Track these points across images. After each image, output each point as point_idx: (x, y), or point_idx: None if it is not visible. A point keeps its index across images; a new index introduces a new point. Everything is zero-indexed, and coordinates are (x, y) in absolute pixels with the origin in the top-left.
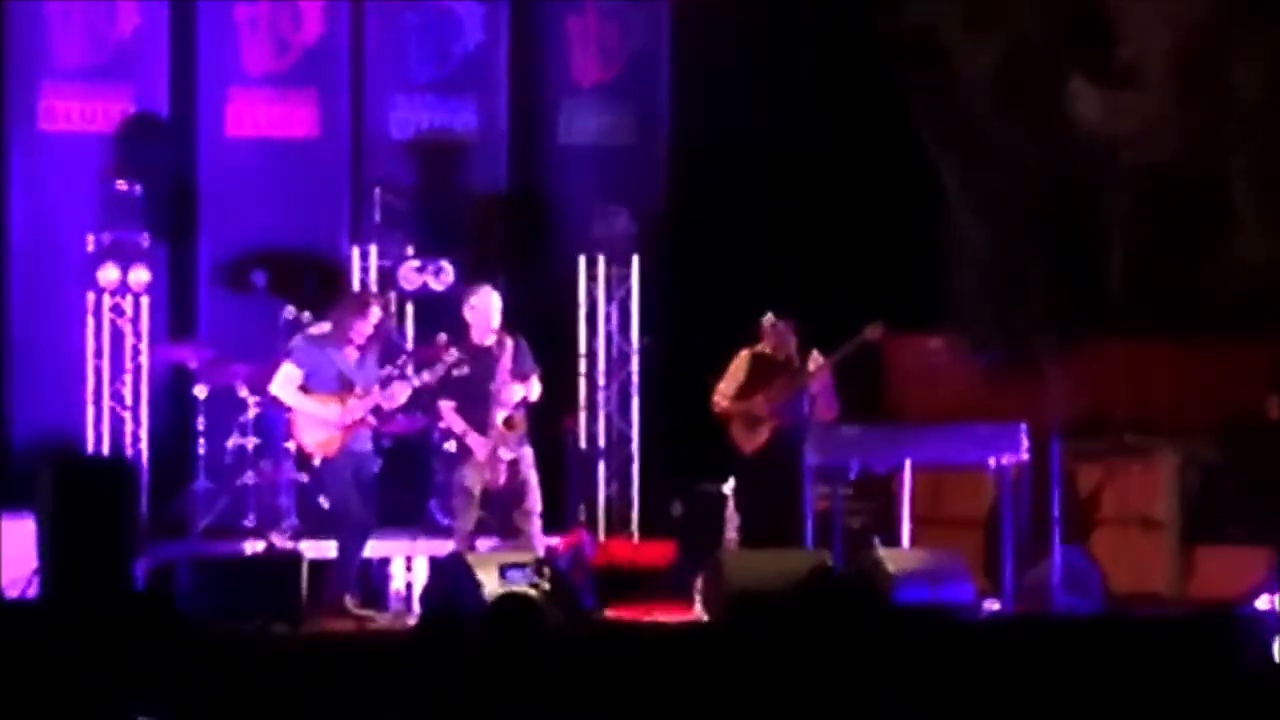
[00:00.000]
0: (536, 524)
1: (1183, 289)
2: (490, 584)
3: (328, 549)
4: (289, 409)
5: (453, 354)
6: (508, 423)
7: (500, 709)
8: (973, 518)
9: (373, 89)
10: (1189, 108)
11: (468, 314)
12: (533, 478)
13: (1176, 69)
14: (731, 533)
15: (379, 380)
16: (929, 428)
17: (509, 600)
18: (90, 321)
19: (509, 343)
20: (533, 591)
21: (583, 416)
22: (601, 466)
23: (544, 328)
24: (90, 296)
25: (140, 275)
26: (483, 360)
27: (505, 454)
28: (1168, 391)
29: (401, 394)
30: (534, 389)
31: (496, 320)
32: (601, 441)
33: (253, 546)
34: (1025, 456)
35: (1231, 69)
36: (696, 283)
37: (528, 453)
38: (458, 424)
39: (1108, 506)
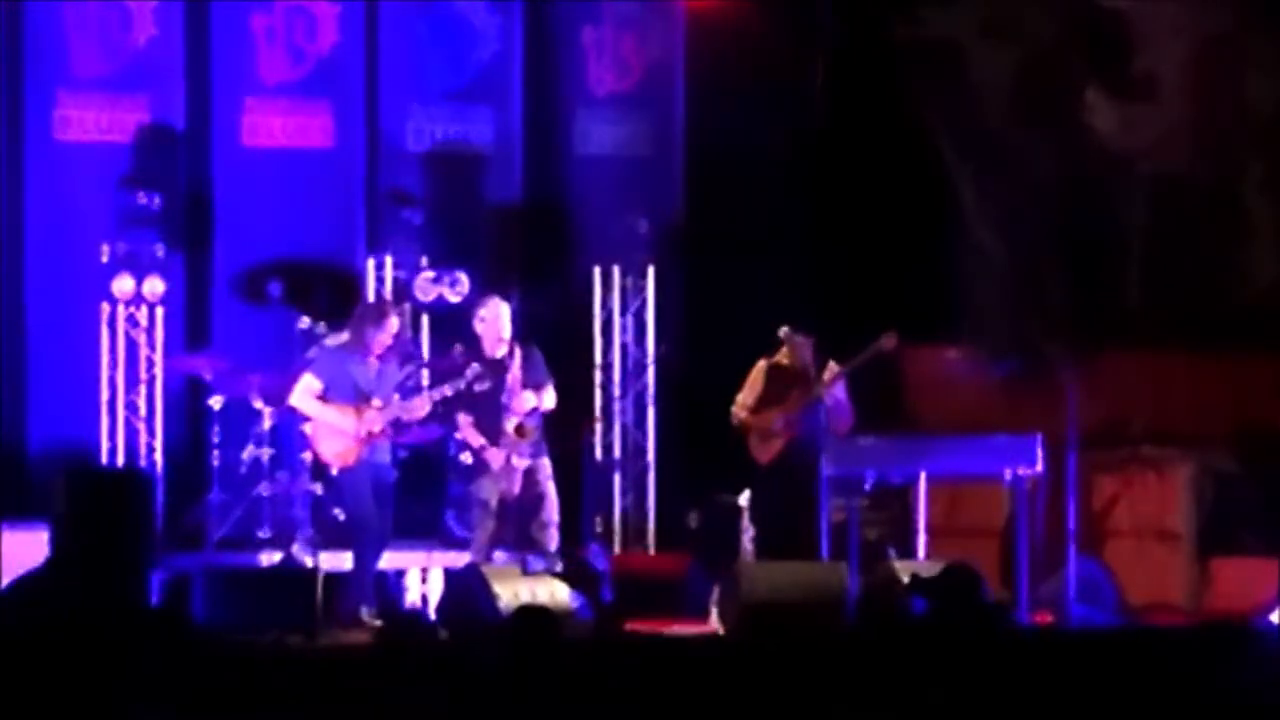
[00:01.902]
0: (553, 536)
1: (1199, 299)
2: (506, 596)
3: (344, 560)
4: (306, 420)
5: (475, 368)
6: (518, 430)
7: None
8: (988, 528)
9: (388, 99)
10: (1204, 118)
11: (478, 326)
12: (550, 489)
13: (1192, 80)
14: (747, 544)
15: (398, 392)
16: (945, 439)
17: (528, 612)
18: (105, 332)
19: (519, 351)
20: (553, 579)
21: (599, 428)
22: (617, 478)
23: (560, 339)
24: (105, 307)
25: (155, 285)
26: (495, 372)
27: (518, 462)
28: (1184, 402)
29: (421, 407)
30: (548, 398)
31: (507, 331)
32: (617, 453)
33: (268, 558)
34: (1041, 468)
35: (1247, 80)
36: (712, 293)
37: (545, 464)
38: (475, 438)
39: (1123, 518)
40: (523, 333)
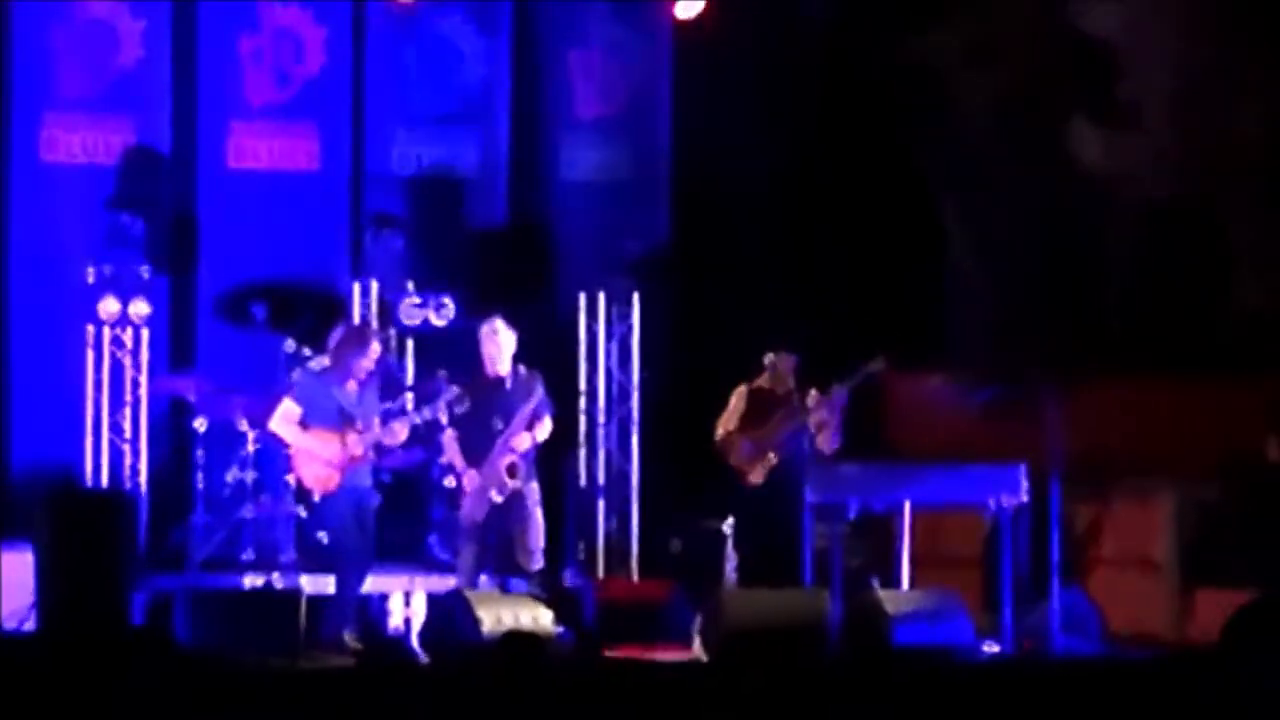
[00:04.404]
0: (538, 560)
1: (1182, 328)
2: (490, 620)
3: (326, 584)
4: (289, 444)
5: (452, 391)
6: (511, 469)
7: None
8: (971, 558)
9: (374, 123)
10: (1189, 146)
11: (482, 346)
12: (537, 514)
13: (1177, 108)
14: (731, 570)
15: (380, 416)
16: (929, 467)
17: (514, 638)
18: (90, 353)
19: (539, 390)
20: (535, 603)
21: (582, 453)
22: (601, 504)
23: (544, 363)
24: (90, 328)
25: (140, 307)
26: (492, 393)
27: (495, 496)
28: (1167, 431)
29: (402, 432)
30: (542, 431)
31: (507, 352)
32: (601, 478)
33: (251, 580)
34: (1025, 497)
35: (1232, 107)
36: (697, 319)
37: (534, 489)
38: (456, 457)
39: (1106, 547)
40: (525, 361)
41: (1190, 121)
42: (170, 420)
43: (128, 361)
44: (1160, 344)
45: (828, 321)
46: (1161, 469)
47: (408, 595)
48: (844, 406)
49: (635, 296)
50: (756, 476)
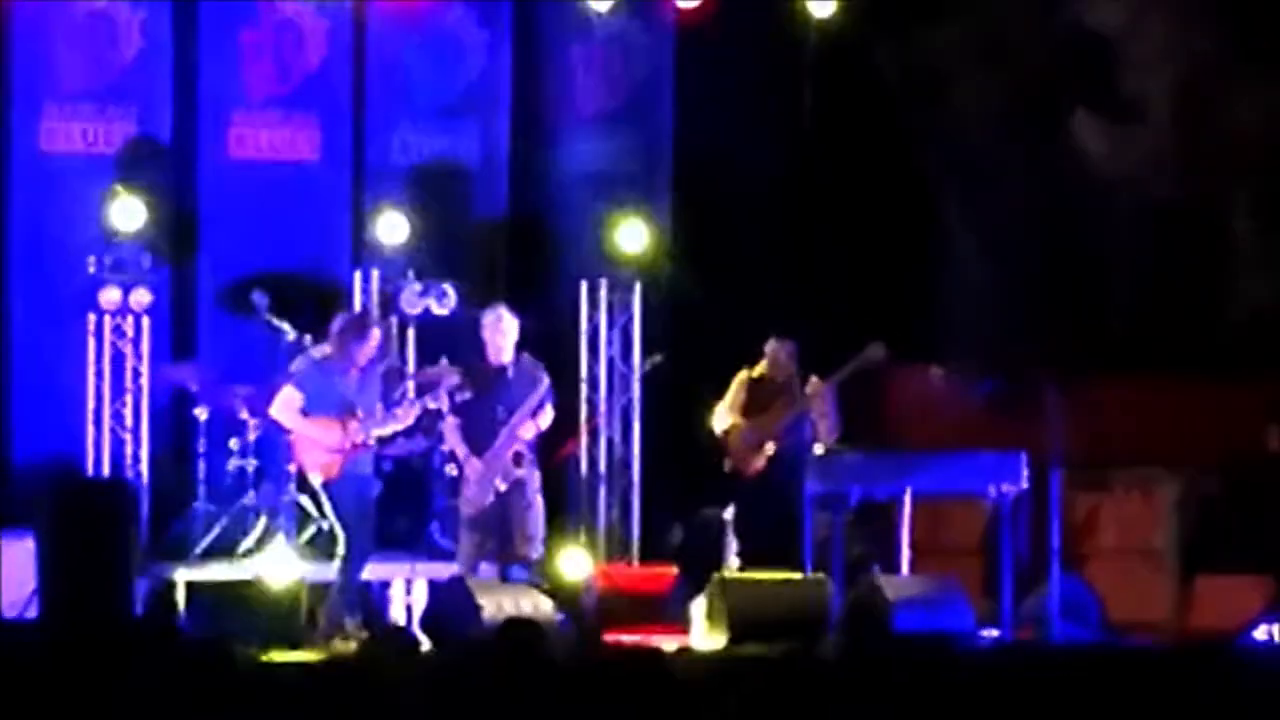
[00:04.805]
0: (537, 548)
1: (1183, 327)
2: (490, 608)
3: (328, 571)
4: (290, 431)
5: (452, 381)
6: (516, 458)
7: None
8: (972, 546)
9: (375, 114)
10: (1191, 143)
11: (484, 332)
12: (538, 502)
13: (1179, 106)
14: (732, 558)
15: (382, 404)
16: (930, 455)
17: (515, 625)
18: (91, 342)
19: (544, 379)
20: (535, 591)
21: (584, 441)
22: (602, 491)
23: (545, 353)
24: (91, 317)
25: (142, 296)
26: (495, 381)
27: (500, 484)
28: (1167, 431)
29: (405, 418)
30: (544, 419)
31: (509, 341)
32: (602, 466)
33: (253, 568)
34: (1025, 485)
35: (1234, 105)
36: (698, 310)
37: (535, 476)
38: (458, 444)
39: (1107, 536)
40: (530, 351)
41: (1192, 120)
42: (172, 409)
43: (129, 351)
44: (1161, 343)
45: (828, 318)
46: (1163, 460)
47: (409, 583)
48: (835, 395)
49: (636, 286)
50: (758, 464)
